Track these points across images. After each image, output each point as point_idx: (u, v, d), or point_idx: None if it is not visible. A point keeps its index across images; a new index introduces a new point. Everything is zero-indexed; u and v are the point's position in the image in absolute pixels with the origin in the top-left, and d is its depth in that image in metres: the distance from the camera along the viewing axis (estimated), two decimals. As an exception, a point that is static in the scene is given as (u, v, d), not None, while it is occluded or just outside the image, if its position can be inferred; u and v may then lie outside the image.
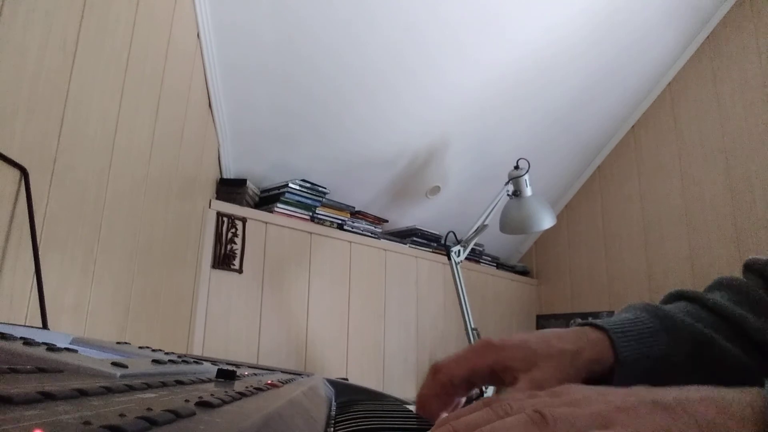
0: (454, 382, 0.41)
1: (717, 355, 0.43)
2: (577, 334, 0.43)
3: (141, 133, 1.35)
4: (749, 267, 0.51)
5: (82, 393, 0.22)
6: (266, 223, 2.12)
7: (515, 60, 2.33)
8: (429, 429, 0.41)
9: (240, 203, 2.06)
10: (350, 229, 2.41)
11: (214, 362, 0.66)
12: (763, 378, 0.26)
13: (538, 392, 0.31)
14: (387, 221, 2.64)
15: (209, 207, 1.96)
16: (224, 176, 2.12)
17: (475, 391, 0.45)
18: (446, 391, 0.41)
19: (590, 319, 0.45)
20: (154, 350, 0.59)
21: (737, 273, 0.53)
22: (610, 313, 2.95)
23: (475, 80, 2.32)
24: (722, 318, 0.46)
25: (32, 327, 0.64)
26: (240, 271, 1.99)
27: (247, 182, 2.09)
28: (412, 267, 2.66)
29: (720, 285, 0.51)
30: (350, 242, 2.40)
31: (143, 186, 1.37)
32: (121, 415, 0.18)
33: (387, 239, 2.59)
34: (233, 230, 2.00)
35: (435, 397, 0.41)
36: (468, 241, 2.34)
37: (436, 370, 0.41)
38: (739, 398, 0.25)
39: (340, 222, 2.38)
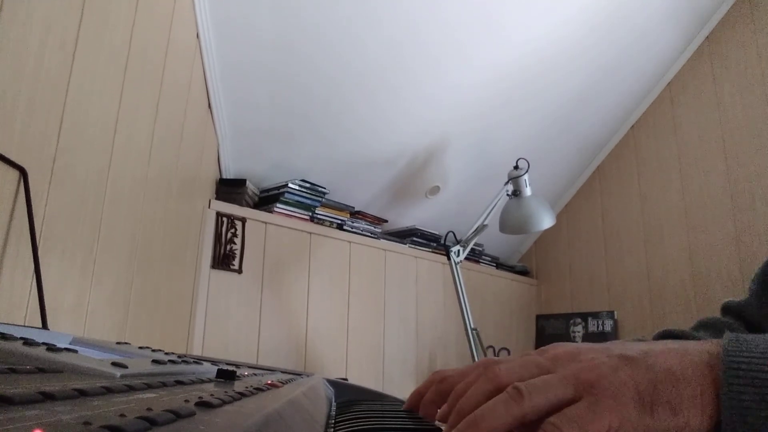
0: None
1: None
2: None
3: (140, 133, 1.35)
4: (727, 309, 0.57)
5: (82, 393, 0.22)
6: (266, 223, 2.12)
7: (515, 60, 2.33)
8: (428, 429, 0.42)
9: (239, 203, 2.06)
10: (350, 229, 2.41)
11: (214, 362, 0.66)
12: None
13: (530, 352, 0.35)
14: (386, 221, 2.64)
15: (209, 207, 1.96)
16: (224, 176, 2.12)
17: None
18: (445, 399, 0.46)
19: None
20: (154, 350, 0.59)
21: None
22: (610, 313, 2.96)
23: (475, 80, 2.32)
24: None
25: (32, 327, 0.64)
26: (239, 271, 1.99)
27: (247, 182, 2.09)
28: (411, 267, 2.66)
29: (703, 325, 0.57)
30: (350, 242, 2.40)
31: (143, 186, 1.37)
32: (121, 416, 0.18)
33: (386, 239, 2.59)
34: (233, 230, 2.00)
35: (435, 403, 0.46)
36: (468, 241, 2.34)
37: (441, 379, 0.45)
38: (699, 347, 0.28)
39: (339, 222, 2.38)
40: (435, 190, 2.68)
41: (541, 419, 0.28)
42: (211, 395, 0.29)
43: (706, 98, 2.80)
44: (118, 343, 0.58)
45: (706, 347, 0.28)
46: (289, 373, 0.77)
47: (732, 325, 0.54)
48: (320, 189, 2.26)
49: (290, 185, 2.16)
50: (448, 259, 2.28)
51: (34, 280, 0.89)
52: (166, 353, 0.58)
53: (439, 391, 0.45)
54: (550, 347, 0.34)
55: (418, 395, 0.50)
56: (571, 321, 3.12)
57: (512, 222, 2.40)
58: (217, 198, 2.02)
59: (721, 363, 0.27)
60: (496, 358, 0.46)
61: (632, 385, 0.27)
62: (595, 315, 3.05)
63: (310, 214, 2.26)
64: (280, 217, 2.16)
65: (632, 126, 3.08)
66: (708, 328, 0.55)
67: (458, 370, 0.46)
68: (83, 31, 1.05)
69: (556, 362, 0.31)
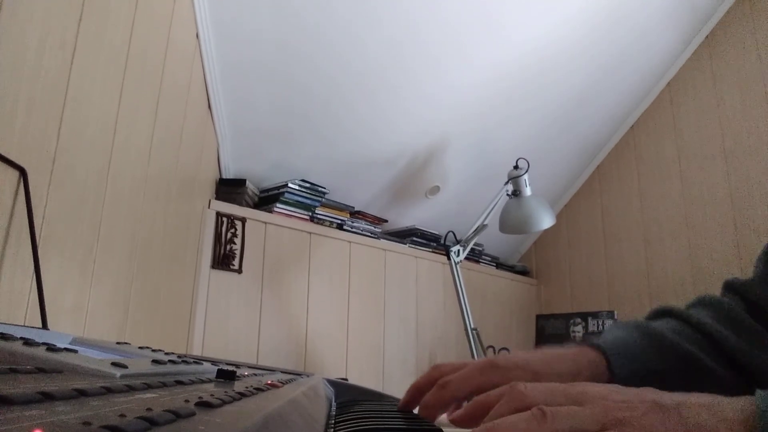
0: (459, 397, 0.45)
1: (702, 371, 0.48)
2: (576, 354, 0.47)
3: (140, 133, 1.35)
4: (729, 287, 0.56)
5: (82, 393, 0.22)
6: (266, 223, 2.12)
7: (515, 59, 2.33)
8: (429, 429, 0.42)
9: (239, 203, 2.06)
10: (350, 229, 2.41)
11: (214, 362, 0.66)
12: (744, 391, 0.29)
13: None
14: (386, 221, 2.64)
15: (208, 207, 1.96)
16: (223, 176, 2.12)
17: None
18: (450, 403, 0.46)
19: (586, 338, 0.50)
20: (154, 350, 0.59)
21: (737, 273, 0.56)
22: (610, 313, 2.96)
23: (475, 80, 2.32)
24: (705, 336, 0.50)
25: (32, 327, 0.64)
26: (239, 271, 1.99)
27: (247, 182, 2.09)
28: (411, 267, 2.66)
29: (702, 303, 0.55)
30: (350, 242, 2.40)
31: (143, 186, 1.37)
32: (121, 416, 0.18)
33: (386, 239, 2.59)
34: (233, 230, 2.00)
35: (436, 407, 0.46)
36: (467, 241, 2.34)
37: (443, 384, 0.45)
38: (732, 404, 0.28)
39: (339, 222, 2.38)
40: (435, 190, 2.68)
41: None
42: (211, 395, 0.28)
43: (706, 98, 2.80)
44: (118, 343, 0.58)
45: (740, 404, 0.28)
46: (289, 373, 0.77)
47: (732, 305, 0.53)
48: (320, 189, 2.26)
49: (290, 185, 2.16)
50: (448, 259, 2.28)
51: (34, 280, 0.89)
52: (166, 353, 0.58)
53: (441, 396, 0.45)
54: (578, 384, 0.33)
55: (416, 390, 0.50)
56: (571, 321, 3.12)
57: (512, 222, 2.40)
58: (217, 198, 2.02)
59: (756, 423, 0.27)
60: (497, 356, 0.46)
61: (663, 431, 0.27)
62: (595, 315, 3.05)
63: (310, 214, 2.26)
64: (280, 217, 2.16)
65: (632, 126, 3.08)
66: (706, 306, 0.54)
67: (460, 371, 0.45)
68: (83, 31, 1.05)
69: (584, 397, 0.31)
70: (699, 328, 0.51)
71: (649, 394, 0.30)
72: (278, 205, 2.15)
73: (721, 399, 0.29)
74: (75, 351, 0.36)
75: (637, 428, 0.27)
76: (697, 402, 0.28)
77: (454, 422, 0.39)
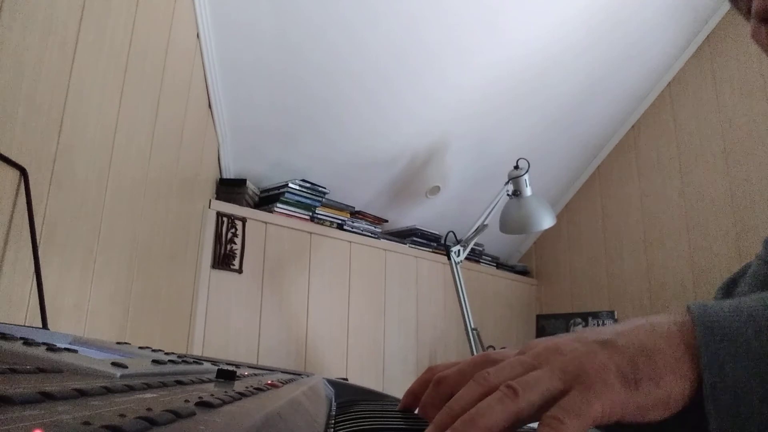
0: (456, 393, 0.44)
1: None
2: None
3: (141, 133, 1.35)
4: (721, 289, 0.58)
5: (82, 393, 0.22)
6: (266, 223, 2.12)
7: (515, 60, 2.33)
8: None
9: (240, 203, 2.06)
10: (350, 229, 2.41)
11: (214, 362, 0.66)
12: None
13: (510, 353, 0.37)
14: (387, 221, 2.64)
15: (209, 207, 1.96)
16: (224, 176, 2.12)
17: None
18: (446, 399, 0.45)
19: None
20: (154, 350, 0.59)
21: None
22: (610, 313, 2.96)
23: (475, 80, 2.32)
24: None
25: (32, 327, 0.64)
26: (240, 271, 1.99)
27: (247, 182, 2.09)
28: (411, 267, 2.66)
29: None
30: (350, 242, 2.40)
31: (143, 186, 1.37)
32: (121, 416, 0.18)
33: (387, 239, 2.59)
34: (233, 230, 2.00)
35: (435, 406, 0.45)
36: (468, 241, 2.34)
37: (438, 381, 0.44)
38: (664, 319, 0.30)
39: (339, 222, 2.38)
40: (435, 190, 2.68)
41: (533, 415, 0.29)
42: (211, 395, 0.29)
43: (706, 98, 2.80)
44: (118, 343, 0.58)
45: (671, 318, 0.30)
46: (289, 373, 0.77)
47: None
48: (320, 189, 2.26)
49: (290, 185, 2.16)
50: (449, 259, 2.28)
51: (34, 280, 0.89)
52: (166, 353, 0.58)
53: (439, 393, 0.45)
54: (530, 345, 0.35)
55: (412, 395, 0.50)
56: (571, 321, 3.12)
57: (512, 222, 2.40)
58: (218, 198, 2.02)
59: (695, 326, 0.29)
60: (495, 351, 0.46)
61: (613, 367, 0.29)
62: (595, 315, 3.05)
63: (311, 214, 2.26)
64: (281, 217, 2.16)
65: (632, 126, 3.08)
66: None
67: (454, 368, 0.45)
68: (83, 31, 1.05)
69: (539, 358, 0.32)
70: None
71: (587, 334, 0.31)
72: (278, 205, 2.15)
73: (656, 317, 0.31)
74: (75, 351, 0.36)
75: (592, 374, 0.28)
76: (633, 327, 0.30)
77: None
